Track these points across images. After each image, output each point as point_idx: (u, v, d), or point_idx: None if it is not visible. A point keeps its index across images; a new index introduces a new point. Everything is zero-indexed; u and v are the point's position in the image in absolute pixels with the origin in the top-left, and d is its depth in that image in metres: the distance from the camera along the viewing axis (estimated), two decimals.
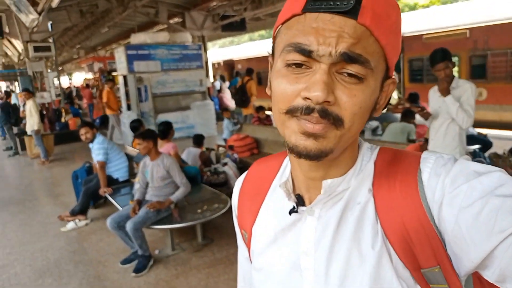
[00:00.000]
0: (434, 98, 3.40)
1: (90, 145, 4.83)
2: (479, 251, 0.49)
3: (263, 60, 16.09)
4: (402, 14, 0.60)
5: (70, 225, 4.69)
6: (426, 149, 3.66)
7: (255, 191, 0.77)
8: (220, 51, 23.93)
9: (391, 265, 0.57)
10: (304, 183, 0.66)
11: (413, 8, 25.62)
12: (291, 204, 0.66)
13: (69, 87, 19.15)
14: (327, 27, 0.51)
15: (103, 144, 4.78)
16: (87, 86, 16.85)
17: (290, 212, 0.66)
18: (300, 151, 0.55)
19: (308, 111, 0.53)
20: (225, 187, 4.94)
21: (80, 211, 4.77)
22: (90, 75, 22.60)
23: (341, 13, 0.51)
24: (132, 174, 5.07)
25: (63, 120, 11.77)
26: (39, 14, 8.15)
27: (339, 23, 0.51)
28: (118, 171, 4.93)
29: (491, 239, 0.47)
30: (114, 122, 10.18)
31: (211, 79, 15.45)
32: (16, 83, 24.35)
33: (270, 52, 0.64)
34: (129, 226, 3.45)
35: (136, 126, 5.37)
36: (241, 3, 11.05)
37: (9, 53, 19.41)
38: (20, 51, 15.28)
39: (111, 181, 4.82)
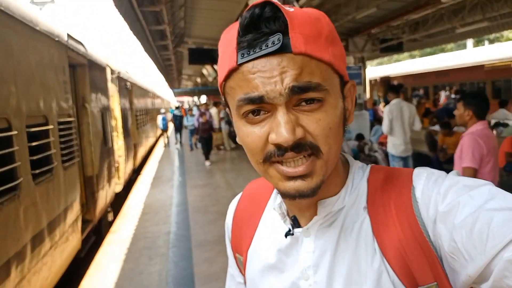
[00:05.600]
0: None
1: None
2: (476, 266, 0.48)
3: (418, 76, 17.98)
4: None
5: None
6: None
7: (250, 213, 0.75)
8: (377, 68, 25.07)
9: (390, 284, 0.55)
10: (296, 205, 0.64)
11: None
12: (286, 226, 0.65)
13: None
14: (267, 68, 0.50)
15: None
16: None
17: (286, 235, 0.64)
18: (292, 194, 0.54)
19: (281, 152, 0.52)
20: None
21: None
22: None
23: (273, 53, 0.50)
24: None
25: None
26: None
27: (276, 62, 0.50)
28: None
29: (485, 254, 0.46)
30: None
31: (368, 94, 17.08)
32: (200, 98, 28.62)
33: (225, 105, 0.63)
34: None
35: None
36: (399, 28, 11.68)
37: (205, 73, 23.59)
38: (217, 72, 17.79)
39: None
